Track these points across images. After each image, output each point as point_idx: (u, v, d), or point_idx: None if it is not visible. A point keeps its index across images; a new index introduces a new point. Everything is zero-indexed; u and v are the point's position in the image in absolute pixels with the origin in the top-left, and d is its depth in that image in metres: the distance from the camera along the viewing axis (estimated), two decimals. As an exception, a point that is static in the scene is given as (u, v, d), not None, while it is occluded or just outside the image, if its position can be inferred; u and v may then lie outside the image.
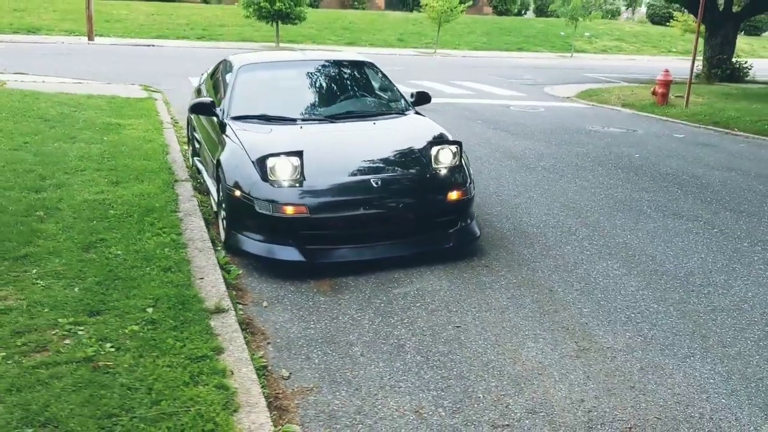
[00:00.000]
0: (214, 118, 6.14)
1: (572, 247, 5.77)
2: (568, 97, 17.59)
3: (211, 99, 6.14)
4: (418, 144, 5.70)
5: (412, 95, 6.75)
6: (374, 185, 5.14)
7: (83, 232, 5.34)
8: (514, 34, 41.46)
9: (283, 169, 5.03)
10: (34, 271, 4.55)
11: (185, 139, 9.47)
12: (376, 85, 6.78)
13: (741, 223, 6.52)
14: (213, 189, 6.23)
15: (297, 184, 5.05)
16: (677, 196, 7.50)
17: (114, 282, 4.43)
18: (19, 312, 3.95)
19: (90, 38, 26.79)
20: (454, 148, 5.48)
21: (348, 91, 6.64)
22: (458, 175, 5.47)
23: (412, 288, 4.92)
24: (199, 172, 7.26)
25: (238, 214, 5.21)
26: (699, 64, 24.19)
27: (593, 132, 11.96)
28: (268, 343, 4.10)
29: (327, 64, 6.81)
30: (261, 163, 5.10)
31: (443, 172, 5.42)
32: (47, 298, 4.15)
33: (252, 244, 5.17)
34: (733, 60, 23.22)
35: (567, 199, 7.18)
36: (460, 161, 5.52)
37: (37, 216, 5.69)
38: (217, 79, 7.19)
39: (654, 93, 15.75)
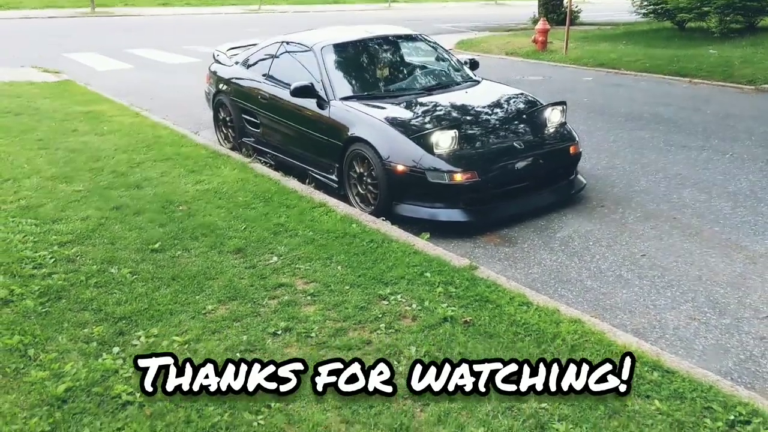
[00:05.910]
0: (312, 100, 6.45)
1: (645, 181, 6.90)
2: (451, 49, 18.76)
3: (310, 82, 6.44)
4: (524, 106, 6.51)
5: (466, 62, 7.47)
6: (518, 147, 5.91)
7: (251, 220, 5.57)
8: (330, -15, 42.26)
9: (445, 141, 5.63)
10: (275, 259, 4.85)
11: (172, 123, 9.40)
12: (437, 55, 7.42)
13: (737, 148, 8.01)
14: (316, 169, 6.59)
15: (457, 154, 5.67)
16: (665, 131, 8.90)
17: (359, 257, 4.84)
18: (329, 293, 4.32)
19: None
20: (561, 107, 6.33)
21: (422, 64, 7.22)
22: (569, 131, 6.36)
23: (569, 231, 5.79)
24: (260, 152, 7.50)
25: (404, 186, 5.70)
26: (535, 11, 26.57)
27: (522, 81, 13.25)
28: (514, 289, 4.79)
29: (392, 39, 7.30)
30: (425, 138, 5.64)
31: (559, 129, 6.28)
32: (329, 278, 4.52)
33: (417, 210, 5.73)
34: (565, 4, 25.62)
35: (590, 144, 8.28)
36: (566, 119, 6.40)
37: (181, 211, 5.82)
38: (274, 60, 7.36)
39: (535, 41, 17.39)
